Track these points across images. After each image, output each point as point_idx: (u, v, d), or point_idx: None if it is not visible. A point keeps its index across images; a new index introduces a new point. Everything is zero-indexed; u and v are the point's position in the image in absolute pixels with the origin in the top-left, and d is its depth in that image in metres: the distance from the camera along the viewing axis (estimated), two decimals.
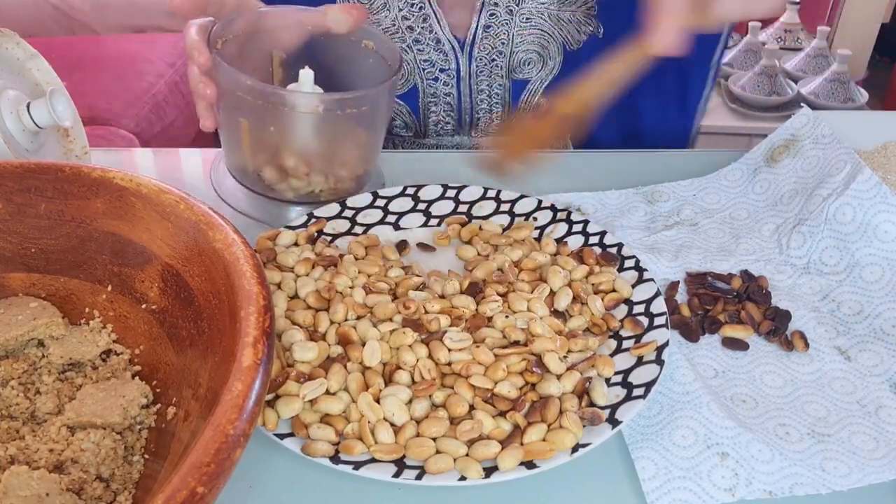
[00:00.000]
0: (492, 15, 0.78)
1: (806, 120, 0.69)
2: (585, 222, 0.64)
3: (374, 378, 0.49)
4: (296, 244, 0.62)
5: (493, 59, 0.80)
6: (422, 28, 0.79)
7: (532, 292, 0.56)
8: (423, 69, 0.81)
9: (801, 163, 0.68)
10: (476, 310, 0.55)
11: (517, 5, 0.78)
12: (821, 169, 0.66)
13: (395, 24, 0.79)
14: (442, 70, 0.81)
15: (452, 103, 0.84)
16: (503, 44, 0.79)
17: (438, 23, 0.79)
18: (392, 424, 0.47)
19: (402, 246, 0.63)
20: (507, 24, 0.78)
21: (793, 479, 0.46)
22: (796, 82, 1.92)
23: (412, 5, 0.78)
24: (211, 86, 0.61)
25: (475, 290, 0.56)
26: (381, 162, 0.74)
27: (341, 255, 0.60)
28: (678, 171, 0.74)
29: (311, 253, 0.60)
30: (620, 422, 0.46)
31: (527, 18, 0.78)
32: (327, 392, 0.49)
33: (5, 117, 0.62)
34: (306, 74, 0.64)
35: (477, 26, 0.79)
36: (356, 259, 0.60)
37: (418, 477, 0.44)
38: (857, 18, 2.07)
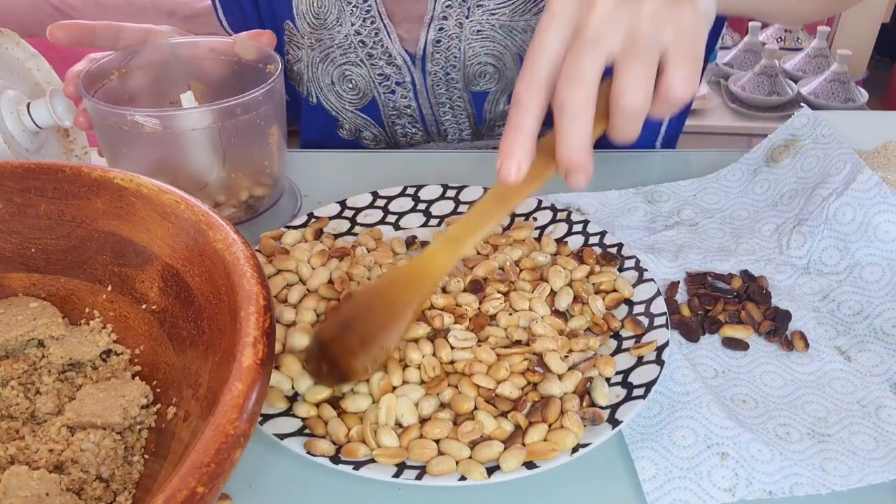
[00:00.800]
0: (440, 29, 0.77)
1: (806, 120, 0.69)
2: (585, 222, 0.64)
3: (394, 370, 0.50)
4: (304, 240, 0.62)
5: (448, 73, 0.79)
6: (374, 42, 0.79)
7: (532, 292, 0.56)
8: (379, 82, 0.81)
9: (801, 163, 0.68)
10: (479, 308, 0.55)
11: (466, 18, 0.76)
12: (821, 169, 0.66)
13: (347, 39, 0.79)
14: (398, 83, 0.81)
15: (415, 115, 0.83)
16: (455, 57, 0.78)
17: (389, 37, 0.79)
18: (399, 426, 0.47)
19: (410, 241, 0.63)
20: (457, 37, 0.77)
21: (793, 480, 0.46)
22: (796, 82, 1.92)
23: (364, 20, 0.78)
24: (85, 115, 0.62)
25: (476, 288, 0.56)
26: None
27: (354, 247, 0.61)
28: (678, 171, 0.74)
29: (322, 246, 0.61)
30: (620, 422, 0.46)
31: (477, 31, 0.77)
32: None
33: (5, 117, 0.62)
34: (187, 97, 0.63)
35: (426, 41, 0.78)
36: (367, 250, 0.61)
37: (418, 477, 0.44)
38: (857, 18, 2.07)
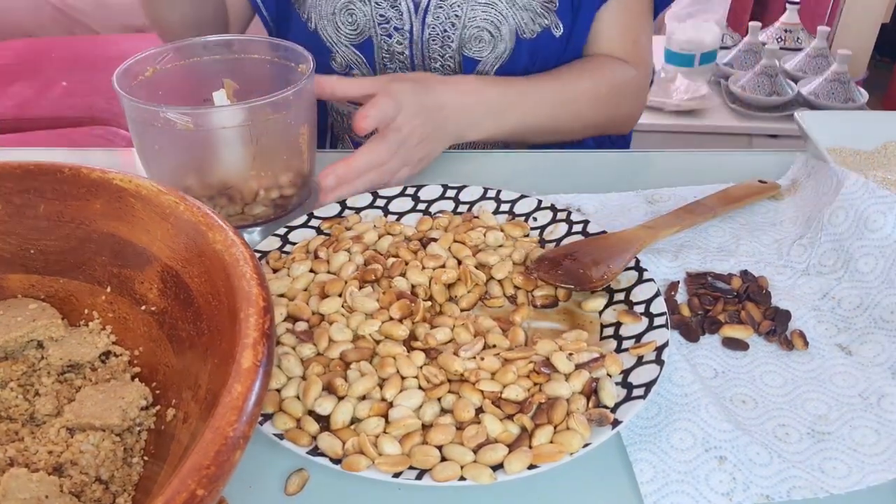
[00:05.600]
0: None
1: (801, 162, 0.73)
2: (585, 222, 0.64)
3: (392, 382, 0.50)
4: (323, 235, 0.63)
5: (446, 30, 0.82)
6: None
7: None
8: (379, 23, 0.82)
9: (799, 195, 0.70)
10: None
11: None
12: (815, 191, 0.68)
13: None
14: (396, 28, 0.82)
15: (406, 63, 0.85)
16: (457, 16, 0.81)
17: None
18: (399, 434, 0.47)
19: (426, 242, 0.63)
20: None
21: (790, 483, 0.46)
22: (796, 82, 1.92)
23: None
24: None
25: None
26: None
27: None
28: (678, 171, 0.74)
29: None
30: (620, 422, 0.46)
31: None
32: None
33: None
34: (219, 95, 0.62)
35: None
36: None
37: (418, 477, 0.44)
38: (857, 18, 2.07)
